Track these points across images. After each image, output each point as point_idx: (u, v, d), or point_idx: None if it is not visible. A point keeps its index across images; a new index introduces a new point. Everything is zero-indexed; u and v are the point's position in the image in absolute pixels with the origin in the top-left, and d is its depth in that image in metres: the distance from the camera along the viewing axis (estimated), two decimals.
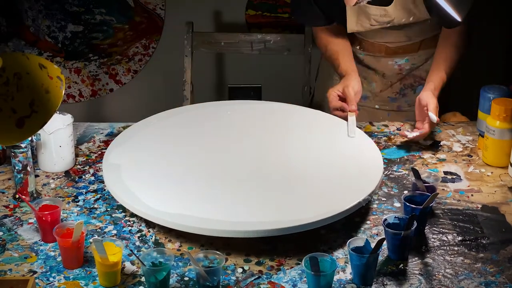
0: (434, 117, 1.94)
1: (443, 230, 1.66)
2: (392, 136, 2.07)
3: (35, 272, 1.53)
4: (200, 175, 1.75)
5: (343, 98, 2.04)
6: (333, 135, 1.95)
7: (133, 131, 1.94)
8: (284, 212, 1.60)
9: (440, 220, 1.70)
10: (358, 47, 2.23)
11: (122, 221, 1.69)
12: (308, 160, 1.83)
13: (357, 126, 1.96)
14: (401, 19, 2.08)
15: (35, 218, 1.66)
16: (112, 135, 2.08)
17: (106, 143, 2.05)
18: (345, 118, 2.00)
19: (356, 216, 1.70)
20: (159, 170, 1.77)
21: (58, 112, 1.84)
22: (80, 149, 2.01)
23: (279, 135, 1.95)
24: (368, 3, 1.99)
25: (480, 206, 1.75)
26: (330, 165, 1.80)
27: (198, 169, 1.78)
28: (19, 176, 1.75)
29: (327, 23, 2.18)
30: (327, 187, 1.70)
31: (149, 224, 1.68)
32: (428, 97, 1.98)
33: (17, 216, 1.72)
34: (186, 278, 1.51)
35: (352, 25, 2.13)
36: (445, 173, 1.89)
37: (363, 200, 1.64)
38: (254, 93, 2.59)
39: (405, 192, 1.76)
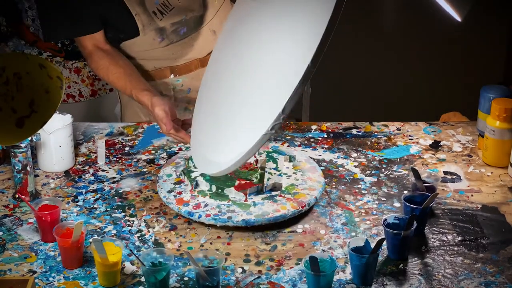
0: None
1: (443, 230, 1.66)
2: (392, 136, 2.07)
3: (34, 272, 1.53)
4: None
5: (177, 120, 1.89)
6: None
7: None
8: None
9: (440, 220, 1.70)
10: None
11: (122, 221, 1.69)
12: None
13: None
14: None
15: (34, 218, 1.66)
16: (111, 135, 2.08)
17: (106, 143, 2.04)
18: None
19: (355, 216, 1.70)
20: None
21: (57, 112, 1.84)
22: (80, 149, 2.01)
23: None
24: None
25: (480, 206, 1.75)
26: None
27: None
28: (18, 176, 1.75)
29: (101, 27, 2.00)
30: None
31: (149, 224, 1.68)
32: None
33: (16, 216, 1.72)
34: (185, 278, 1.51)
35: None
36: (445, 173, 1.89)
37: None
38: None
39: (405, 192, 1.76)
